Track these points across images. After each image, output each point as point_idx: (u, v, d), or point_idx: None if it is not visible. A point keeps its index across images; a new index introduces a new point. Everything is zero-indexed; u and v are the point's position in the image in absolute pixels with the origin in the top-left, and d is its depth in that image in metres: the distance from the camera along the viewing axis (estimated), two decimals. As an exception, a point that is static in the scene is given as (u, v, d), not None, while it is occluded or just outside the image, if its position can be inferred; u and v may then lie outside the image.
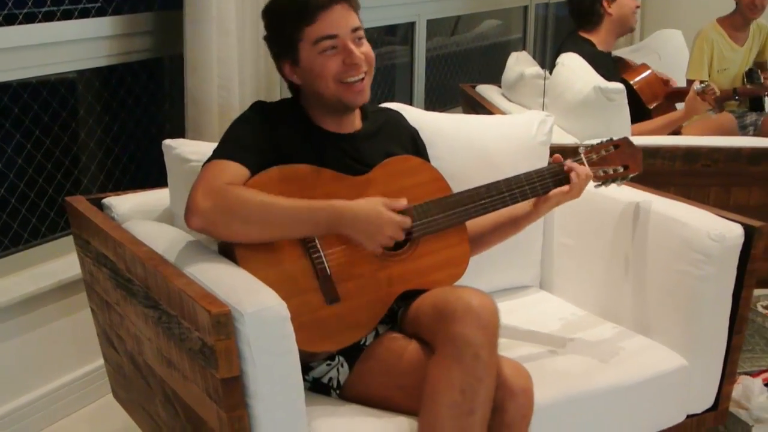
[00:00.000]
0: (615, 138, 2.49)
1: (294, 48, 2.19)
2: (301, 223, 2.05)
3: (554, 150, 2.94)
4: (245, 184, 2.07)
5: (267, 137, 2.16)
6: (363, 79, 2.21)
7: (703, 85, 3.74)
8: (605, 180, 2.44)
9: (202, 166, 2.12)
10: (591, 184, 2.41)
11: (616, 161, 2.45)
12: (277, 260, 2.06)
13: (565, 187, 2.34)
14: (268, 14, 2.27)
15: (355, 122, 2.33)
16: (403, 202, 2.16)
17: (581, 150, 2.43)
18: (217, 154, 2.12)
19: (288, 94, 2.34)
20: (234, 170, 2.07)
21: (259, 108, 2.26)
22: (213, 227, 2.02)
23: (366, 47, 2.22)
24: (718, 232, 2.37)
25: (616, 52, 4.52)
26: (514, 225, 2.43)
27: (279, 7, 2.24)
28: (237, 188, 2.04)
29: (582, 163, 2.40)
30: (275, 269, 2.05)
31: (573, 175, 2.34)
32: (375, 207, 2.10)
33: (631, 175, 2.48)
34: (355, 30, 2.20)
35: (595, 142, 2.48)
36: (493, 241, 2.47)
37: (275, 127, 2.19)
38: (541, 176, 2.35)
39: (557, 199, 2.35)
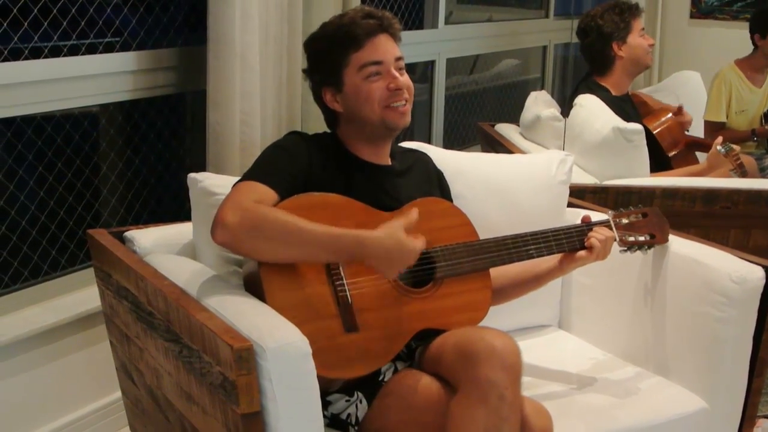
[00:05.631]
0: (644, 207, 2.54)
1: (338, 74, 2.26)
2: (324, 248, 2.06)
3: (574, 190, 2.96)
4: (276, 206, 2.10)
5: (299, 164, 2.20)
6: (405, 104, 2.27)
7: (725, 148, 3.72)
8: (631, 246, 2.47)
9: (233, 186, 2.16)
10: (617, 247, 2.45)
11: (643, 230, 2.49)
12: (300, 284, 2.08)
13: (586, 252, 2.38)
14: (312, 42, 2.34)
15: (387, 157, 2.37)
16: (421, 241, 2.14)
17: (610, 214, 2.48)
18: (248, 176, 2.17)
19: (309, 130, 2.37)
20: (263, 192, 2.11)
21: (294, 136, 2.32)
22: (237, 242, 2.04)
23: (407, 77, 2.29)
24: (740, 274, 2.36)
25: (636, 91, 4.53)
26: (536, 280, 2.46)
27: (325, 34, 2.31)
28: (264, 207, 2.07)
29: (609, 226, 2.44)
30: (297, 292, 2.07)
31: (597, 235, 2.37)
32: (396, 237, 2.08)
33: (657, 245, 2.52)
34: (398, 59, 2.28)
35: (623, 209, 2.53)
36: (514, 294, 2.49)
37: (309, 154, 2.24)
38: (568, 233, 2.39)
39: (581, 258, 2.38)
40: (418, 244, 2.09)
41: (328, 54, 2.28)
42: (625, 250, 2.47)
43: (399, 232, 2.07)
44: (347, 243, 2.06)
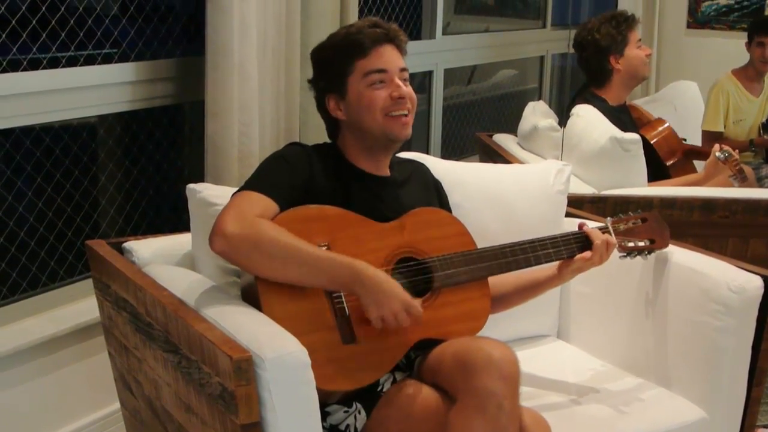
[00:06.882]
0: (643, 212, 2.53)
1: (343, 81, 2.27)
2: (321, 274, 2.06)
3: (572, 200, 2.96)
4: (273, 219, 2.10)
5: (300, 175, 2.21)
6: (407, 114, 2.27)
7: (724, 154, 3.71)
8: (630, 252, 2.46)
9: (233, 195, 2.16)
10: (616, 253, 2.43)
11: (642, 235, 2.48)
12: (298, 296, 2.07)
13: (587, 253, 2.37)
14: (319, 51, 2.37)
15: (386, 168, 2.38)
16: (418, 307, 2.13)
17: (608, 220, 2.47)
18: (249, 186, 2.17)
19: (308, 141, 2.37)
20: (265, 204, 2.12)
21: (295, 147, 2.32)
22: (235, 254, 2.05)
23: (410, 89, 2.30)
24: (738, 283, 2.37)
25: (632, 102, 4.53)
26: (535, 288, 2.46)
27: (332, 43, 2.33)
28: (267, 223, 2.07)
29: (608, 233, 2.43)
30: (294, 304, 2.07)
31: (596, 241, 2.36)
32: (395, 282, 2.09)
33: (657, 251, 2.51)
34: (402, 70, 2.30)
35: (622, 214, 2.52)
36: (513, 302, 2.48)
37: (310, 165, 2.24)
38: (566, 240, 2.38)
39: (579, 264, 2.37)
40: (415, 300, 2.10)
41: (334, 61, 2.30)
42: (625, 256, 2.46)
43: (400, 287, 2.08)
44: (345, 272, 2.06)
